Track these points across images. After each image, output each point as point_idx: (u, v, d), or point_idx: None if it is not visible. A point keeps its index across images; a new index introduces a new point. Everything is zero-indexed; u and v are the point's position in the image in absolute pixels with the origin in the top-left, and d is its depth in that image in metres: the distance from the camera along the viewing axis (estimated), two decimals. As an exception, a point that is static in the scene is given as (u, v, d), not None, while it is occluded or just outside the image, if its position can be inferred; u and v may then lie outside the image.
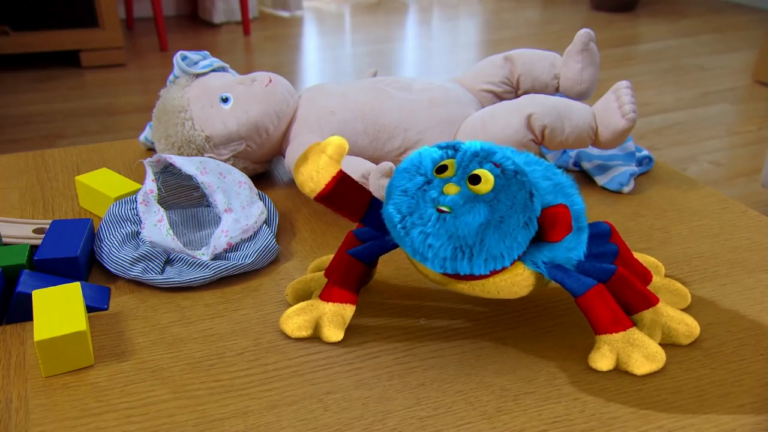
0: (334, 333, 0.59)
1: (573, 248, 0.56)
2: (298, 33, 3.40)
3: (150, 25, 3.34)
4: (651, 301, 0.58)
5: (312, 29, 3.49)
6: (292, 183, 0.87)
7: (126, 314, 0.63)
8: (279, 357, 0.58)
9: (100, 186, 0.77)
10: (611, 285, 0.57)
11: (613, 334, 0.55)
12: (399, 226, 0.52)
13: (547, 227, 0.53)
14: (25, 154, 0.93)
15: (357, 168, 0.74)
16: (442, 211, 0.51)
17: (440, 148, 0.55)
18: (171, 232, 0.68)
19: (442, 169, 0.53)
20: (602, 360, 0.56)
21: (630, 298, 0.58)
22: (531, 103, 0.79)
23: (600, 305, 0.55)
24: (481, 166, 0.53)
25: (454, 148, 0.55)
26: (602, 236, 0.62)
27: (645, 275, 0.63)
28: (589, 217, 0.80)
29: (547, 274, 0.55)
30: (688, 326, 0.59)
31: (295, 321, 0.60)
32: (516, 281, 0.55)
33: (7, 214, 0.79)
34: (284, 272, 0.69)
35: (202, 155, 0.81)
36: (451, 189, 0.52)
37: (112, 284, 0.67)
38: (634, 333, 0.56)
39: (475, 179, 0.52)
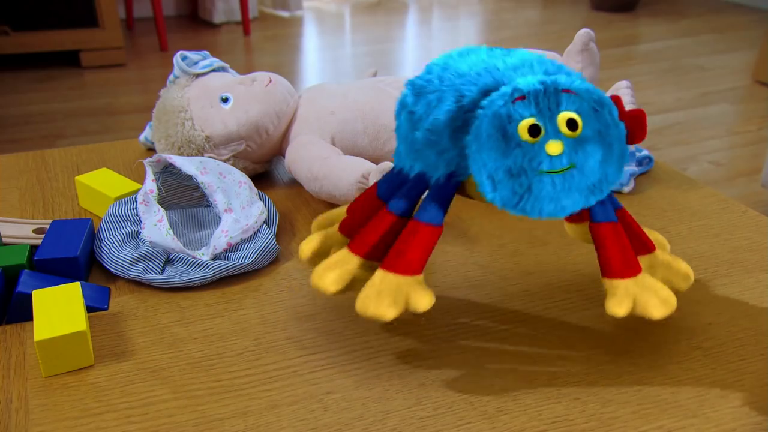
0: (423, 297, 0.53)
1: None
2: (298, 33, 3.40)
3: (150, 25, 3.34)
4: (649, 248, 0.58)
5: (312, 29, 3.49)
6: (292, 183, 0.87)
7: (126, 314, 0.63)
8: (279, 357, 0.58)
9: (100, 186, 0.77)
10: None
11: (627, 279, 0.54)
12: (520, 205, 0.50)
13: (631, 130, 0.53)
14: (25, 154, 0.94)
15: (357, 168, 0.74)
16: (561, 171, 0.50)
17: (503, 105, 0.50)
18: (171, 232, 0.68)
19: (535, 131, 0.50)
20: (620, 306, 0.54)
21: (631, 240, 0.57)
22: (531, 103, 0.78)
23: (614, 242, 0.54)
24: (559, 107, 0.50)
25: (520, 98, 0.50)
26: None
27: (646, 243, 0.60)
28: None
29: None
30: (684, 271, 0.59)
31: (330, 276, 0.54)
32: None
33: (7, 214, 0.79)
34: (284, 272, 0.69)
35: (202, 155, 0.81)
36: (556, 147, 0.50)
37: (112, 284, 0.67)
38: (646, 277, 0.55)
39: (573, 125, 0.50)
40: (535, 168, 0.50)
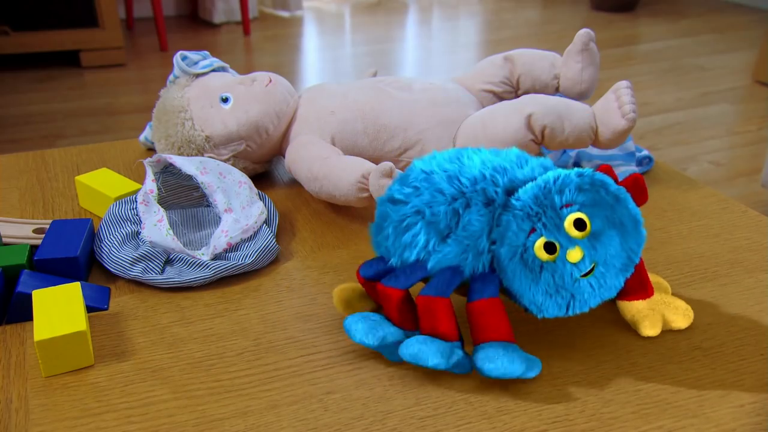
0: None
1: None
2: (298, 33, 3.40)
3: (150, 25, 3.34)
4: (648, 292, 0.59)
5: (312, 29, 3.49)
6: (292, 183, 0.87)
7: (126, 314, 0.63)
8: (279, 357, 0.58)
9: (100, 186, 0.77)
10: None
11: (648, 299, 0.58)
12: (570, 312, 0.53)
13: (635, 193, 0.56)
14: (25, 154, 0.93)
15: (357, 168, 0.74)
16: (590, 272, 0.53)
17: (524, 240, 0.52)
18: (171, 232, 0.68)
19: (551, 249, 0.52)
20: (653, 327, 0.58)
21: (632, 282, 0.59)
22: (531, 103, 0.78)
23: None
24: (559, 212, 0.52)
25: (532, 231, 0.52)
26: None
27: (646, 287, 0.60)
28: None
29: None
30: (683, 309, 0.61)
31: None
32: None
33: (7, 214, 0.79)
34: (284, 272, 0.69)
35: (202, 155, 0.81)
36: (576, 255, 0.52)
37: (112, 284, 0.67)
38: (662, 296, 0.59)
39: (581, 225, 0.52)
40: (569, 282, 0.53)
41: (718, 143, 2.29)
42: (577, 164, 0.91)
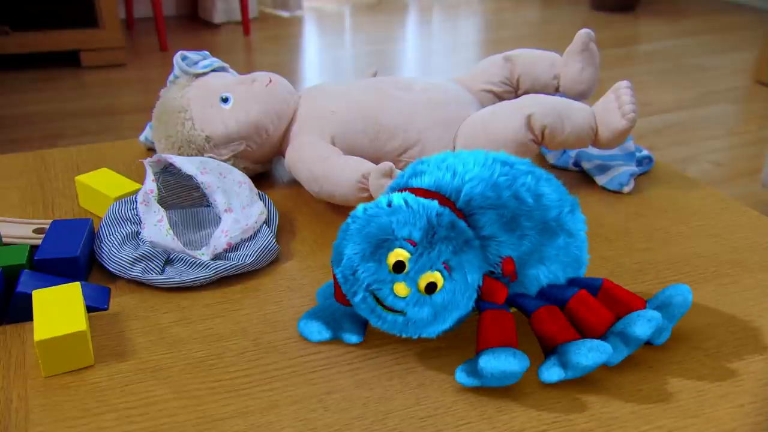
0: None
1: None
2: (298, 33, 3.40)
3: (150, 25, 3.34)
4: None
5: (312, 29, 3.49)
6: (292, 183, 0.87)
7: (126, 314, 0.63)
8: (279, 357, 0.58)
9: (100, 186, 0.77)
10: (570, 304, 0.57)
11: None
12: (358, 302, 0.54)
13: (483, 295, 0.55)
14: (25, 154, 0.93)
15: (357, 168, 0.74)
16: (389, 310, 0.53)
17: (405, 231, 0.53)
18: (171, 232, 0.68)
19: (399, 267, 0.53)
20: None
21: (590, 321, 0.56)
22: (531, 103, 0.78)
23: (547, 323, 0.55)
24: (432, 269, 0.52)
25: (416, 237, 0.53)
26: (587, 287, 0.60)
27: (629, 304, 0.57)
28: (588, 216, 0.80)
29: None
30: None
31: None
32: None
33: (7, 214, 0.79)
34: (284, 272, 0.69)
35: (202, 155, 0.81)
36: (402, 290, 0.52)
37: (112, 284, 0.67)
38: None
39: (431, 288, 0.52)
40: (370, 288, 0.53)
41: (718, 143, 2.29)
42: (577, 164, 0.91)
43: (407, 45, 3.28)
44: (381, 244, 0.52)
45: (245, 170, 0.83)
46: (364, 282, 0.53)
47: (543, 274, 0.58)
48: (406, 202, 0.53)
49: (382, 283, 0.52)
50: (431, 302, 0.52)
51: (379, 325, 0.54)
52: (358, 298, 0.53)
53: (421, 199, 0.54)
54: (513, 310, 0.58)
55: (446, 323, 0.53)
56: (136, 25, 3.40)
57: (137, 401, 0.53)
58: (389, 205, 0.53)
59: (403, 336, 0.54)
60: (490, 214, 0.56)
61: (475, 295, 0.54)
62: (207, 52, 0.87)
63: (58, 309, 0.56)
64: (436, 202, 0.54)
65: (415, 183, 0.59)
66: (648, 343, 0.59)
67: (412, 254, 0.52)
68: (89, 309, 0.61)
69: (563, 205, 0.59)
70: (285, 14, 3.68)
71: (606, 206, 0.83)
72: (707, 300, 0.66)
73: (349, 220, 0.54)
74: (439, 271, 0.52)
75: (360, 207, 0.54)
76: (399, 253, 0.52)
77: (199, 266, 0.66)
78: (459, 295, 0.53)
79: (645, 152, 0.92)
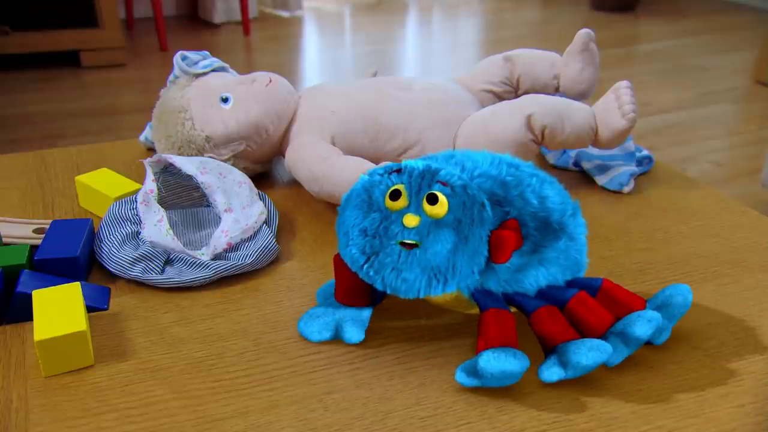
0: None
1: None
2: (298, 33, 3.40)
3: (150, 25, 3.34)
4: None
5: (312, 29, 3.49)
6: (292, 183, 0.87)
7: (126, 314, 0.63)
8: (279, 357, 0.58)
9: (100, 186, 0.77)
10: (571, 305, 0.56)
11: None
12: (366, 266, 0.53)
13: (492, 249, 0.54)
14: (25, 154, 0.93)
15: (357, 168, 0.74)
16: (409, 246, 0.52)
17: (381, 174, 0.54)
18: (171, 232, 0.68)
19: (395, 195, 0.53)
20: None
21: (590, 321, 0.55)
22: (531, 103, 0.78)
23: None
24: (430, 188, 0.53)
25: (396, 171, 0.54)
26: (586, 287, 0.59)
27: (629, 304, 0.57)
28: (588, 217, 0.80)
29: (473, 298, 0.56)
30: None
31: None
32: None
33: (7, 214, 0.79)
34: (284, 272, 0.69)
35: (202, 155, 0.81)
36: (412, 220, 0.52)
37: (112, 284, 0.67)
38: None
39: (433, 199, 0.52)
40: (389, 236, 0.53)
41: (718, 143, 2.29)
42: (577, 164, 0.91)
43: (407, 45, 3.28)
44: (372, 194, 0.53)
45: (245, 170, 0.83)
46: (379, 231, 0.53)
47: (542, 276, 0.58)
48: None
49: (392, 223, 0.52)
50: (444, 222, 0.52)
51: (410, 285, 0.52)
52: (385, 250, 0.53)
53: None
54: (513, 310, 0.58)
55: (470, 246, 0.52)
56: (136, 25, 3.40)
57: (137, 401, 0.53)
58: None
59: (442, 288, 0.53)
60: (498, 211, 0.56)
61: (487, 215, 0.53)
62: (207, 52, 0.87)
63: (58, 309, 0.56)
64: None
65: None
66: (648, 343, 0.59)
67: (404, 183, 0.53)
68: (89, 309, 0.61)
69: (566, 209, 0.59)
70: (285, 14, 3.68)
71: (606, 206, 0.83)
72: (707, 300, 0.66)
73: (339, 208, 0.56)
74: (439, 190, 0.53)
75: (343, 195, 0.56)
76: (392, 188, 0.53)
77: (199, 266, 0.66)
78: (468, 206, 0.53)
79: (645, 152, 0.92)
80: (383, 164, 0.56)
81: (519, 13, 3.83)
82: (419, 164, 0.54)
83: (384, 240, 0.53)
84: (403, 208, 0.53)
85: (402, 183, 0.53)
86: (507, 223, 0.56)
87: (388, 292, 0.54)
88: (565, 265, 0.58)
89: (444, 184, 0.53)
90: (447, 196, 0.53)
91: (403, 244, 0.53)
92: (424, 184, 0.53)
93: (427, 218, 0.53)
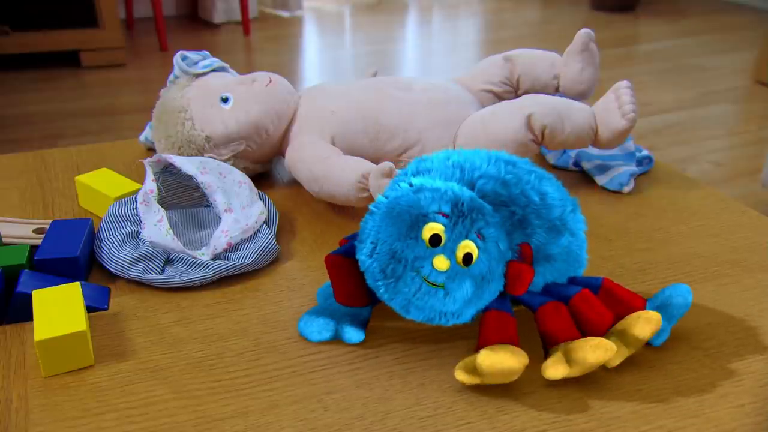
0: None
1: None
2: (298, 33, 3.40)
3: (150, 25, 3.34)
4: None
5: (312, 29, 3.49)
6: (292, 183, 0.87)
7: (126, 314, 0.63)
8: (279, 357, 0.58)
9: (100, 186, 0.77)
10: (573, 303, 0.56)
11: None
12: (380, 284, 0.53)
13: (509, 281, 0.54)
14: (25, 154, 0.93)
15: (357, 168, 0.74)
16: (432, 285, 0.52)
17: (435, 209, 0.53)
18: (171, 232, 0.68)
19: (436, 240, 0.52)
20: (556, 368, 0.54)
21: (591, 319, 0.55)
22: (531, 103, 0.78)
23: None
24: (467, 237, 0.53)
25: (446, 210, 0.53)
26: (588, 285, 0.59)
27: (629, 303, 0.57)
28: (588, 217, 0.80)
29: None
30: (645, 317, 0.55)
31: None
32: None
33: (7, 214, 0.79)
34: (284, 272, 0.69)
35: (202, 155, 0.81)
36: (442, 264, 0.52)
37: (112, 284, 0.67)
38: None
39: (468, 259, 0.52)
40: (414, 268, 0.52)
41: (718, 143, 2.29)
42: (577, 164, 0.91)
43: (407, 45, 3.28)
44: (415, 221, 0.52)
45: (245, 170, 0.83)
46: (408, 260, 0.52)
47: (548, 272, 0.58)
48: (424, 184, 0.54)
49: (422, 259, 0.52)
50: (470, 273, 0.52)
51: (416, 314, 0.53)
52: (405, 279, 0.52)
53: (439, 180, 0.54)
54: (516, 309, 0.58)
55: (483, 299, 0.53)
56: (136, 25, 3.40)
57: (137, 401, 0.53)
58: (411, 185, 0.54)
59: (441, 323, 0.53)
60: (503, 211, 0.56)
61: (507, 253, 0.54)
62: (207, 52, 0.87)
63: (58, 309, 0.56)
64: (453, 183, 0.54)
65: None
66: (648, 343, 0.59)
67: (446, 226, 0.52)
68: (89, 309, 0.61)
69: (566, 205, 0.59)
70: (285, 14, 3.68)
71: (606, 206, 0.83)
72: (707, 300, 0.66)
73: (372, 207, 0.54)
74: (473, 241, 0.52)
75: (380, 197, 0.54)
76: (433, 227, 0.52)
77: (199, 266, 0.66)
78: (494, 263, 0.53)
79: (645, 152, 0.92)
80: (438, 188, 0.54)
81: (519, 13, 3.83)
82: (467, 203, 0.53)
83: (408, 269, 0.52)
84: (438, 249, 0.53)
85: (443, 225, 0.52)
86: (523, 250, 0.56)
87: (392, 307, 0.54)
88: (568, 260, 0.59)
89: (480, 237, 0.53)
90: (479, 249, 0.53)
91: (427, 280, 0.52)
92: (463, 230, 0.53)
93: (457, 266, 0.52)
